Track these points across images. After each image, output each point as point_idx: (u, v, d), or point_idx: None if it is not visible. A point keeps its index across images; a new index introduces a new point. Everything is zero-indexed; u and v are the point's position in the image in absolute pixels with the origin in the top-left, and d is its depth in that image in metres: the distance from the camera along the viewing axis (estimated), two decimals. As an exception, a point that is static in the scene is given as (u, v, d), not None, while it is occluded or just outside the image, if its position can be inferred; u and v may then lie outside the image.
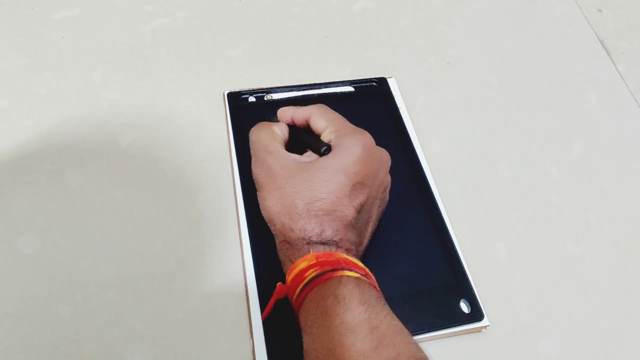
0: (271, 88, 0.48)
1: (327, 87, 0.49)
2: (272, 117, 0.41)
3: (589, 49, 0.58)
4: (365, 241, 0.36)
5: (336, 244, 0.32)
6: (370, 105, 0.48)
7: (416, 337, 0.36)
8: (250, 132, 0.39)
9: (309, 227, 0.32)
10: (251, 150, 0.37)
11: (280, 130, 0.38)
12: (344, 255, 0.32)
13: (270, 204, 0.34)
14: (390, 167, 0.38)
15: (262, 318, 0.35)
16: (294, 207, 0.33)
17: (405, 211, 0.42)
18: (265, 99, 0.47)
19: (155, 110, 0.46)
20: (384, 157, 0.37)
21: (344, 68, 0.51)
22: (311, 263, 0.31)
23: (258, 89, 0.47)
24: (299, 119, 0.39)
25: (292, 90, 0.48)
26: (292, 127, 0.40)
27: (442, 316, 0.37)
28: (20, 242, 0.38)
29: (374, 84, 0.50)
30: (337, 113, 0.39)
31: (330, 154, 0.35)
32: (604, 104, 0.53)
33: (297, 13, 0.56)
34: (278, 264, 0.38)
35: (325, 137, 0.37)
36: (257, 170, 0.36)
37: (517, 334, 0.39)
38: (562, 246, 0.43)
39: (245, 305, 0.37)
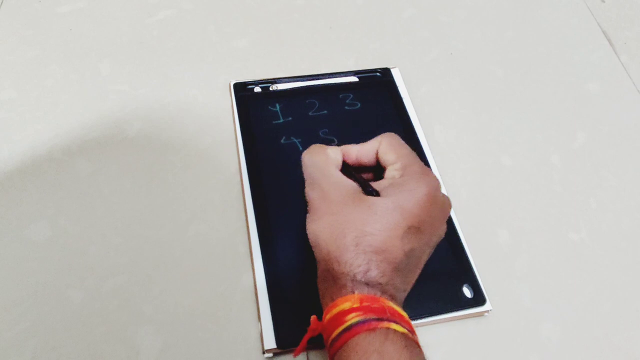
0: (276, 78, 0.48)
1: (331, 77, 0.49)
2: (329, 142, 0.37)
3: (592, 39, 0.58)
4: (409, 288, 0.33)
5: (381, 287, 0.30)
6: (374, 95, 0.48)
7: (420, 321, 0.37)
8: (303, 155, 0.37)
9: (356, 263, 0.30)
10: (305, 173, 0.36)
11: (334, 154, 0.37)
12: (390, 304, 0.29)
13: (320, 229, 0.32)
14: None
15: (294, 355, 0.34)
16: (343, 236, 0.31)
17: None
18: (271, 89, 0.47)
19: (162, 100, 0.47)
20: (446, 205, 0.35)
21: (348, 58, 0.52)
22: (354, 306, 0.29)
23: (263, 80, 0.48)
24: (367, 157, 0.37)
25: (297, 81, 0.48)
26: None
27: (445, 301, 0.38)
28: (32, 229, 0.39)
29: (378, 74, 0.50)
30: (407, 146, 0.37)
31: (391, 192, 0.33)
32: (607, 93, 0.54)
33: (301, 4, 0.56)
34: (285, 249, 0.39)
35: (389, 174, 0.35)
36: (311, 193, 0.35)
37: (519, 319, 0.39)
38: (564, 233, 0.44)
39: (253, 289, 0.38)
